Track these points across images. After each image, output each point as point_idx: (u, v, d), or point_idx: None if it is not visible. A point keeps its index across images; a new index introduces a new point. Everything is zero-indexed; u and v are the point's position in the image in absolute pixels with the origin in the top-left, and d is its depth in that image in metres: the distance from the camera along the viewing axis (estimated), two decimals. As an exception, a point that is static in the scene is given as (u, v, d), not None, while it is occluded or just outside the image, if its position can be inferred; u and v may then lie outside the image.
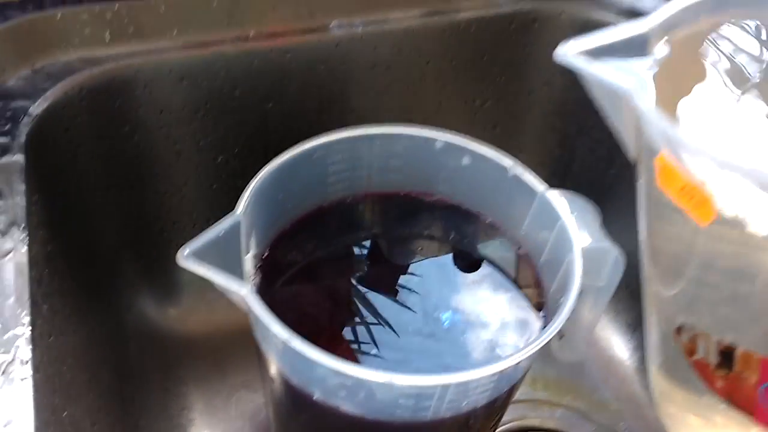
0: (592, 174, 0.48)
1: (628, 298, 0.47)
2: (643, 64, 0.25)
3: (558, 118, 0.50)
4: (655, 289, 0.31)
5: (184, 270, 0.47)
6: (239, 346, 0.46)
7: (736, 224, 0.23)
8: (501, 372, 0.28)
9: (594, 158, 0.48)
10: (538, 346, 0.29)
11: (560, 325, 0.30)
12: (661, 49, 0.27)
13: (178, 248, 0.28)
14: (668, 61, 0.26)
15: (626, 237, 0.35)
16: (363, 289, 0.37)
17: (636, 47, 0.25)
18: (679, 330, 0.28)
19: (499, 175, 0.37)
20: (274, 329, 0.28)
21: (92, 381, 0.34)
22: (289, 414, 0.35)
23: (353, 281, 0.38)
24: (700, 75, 0.27)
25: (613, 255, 0.33)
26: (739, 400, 0.26)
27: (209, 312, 0.47)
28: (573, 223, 0.33)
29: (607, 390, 0.46)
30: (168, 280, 0.47)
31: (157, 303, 0.46)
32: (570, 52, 0.25)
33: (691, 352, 0.27)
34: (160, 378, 0.43)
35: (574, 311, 0.38)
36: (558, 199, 0.34)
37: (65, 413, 0.28)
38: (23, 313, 0.27)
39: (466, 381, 0.28)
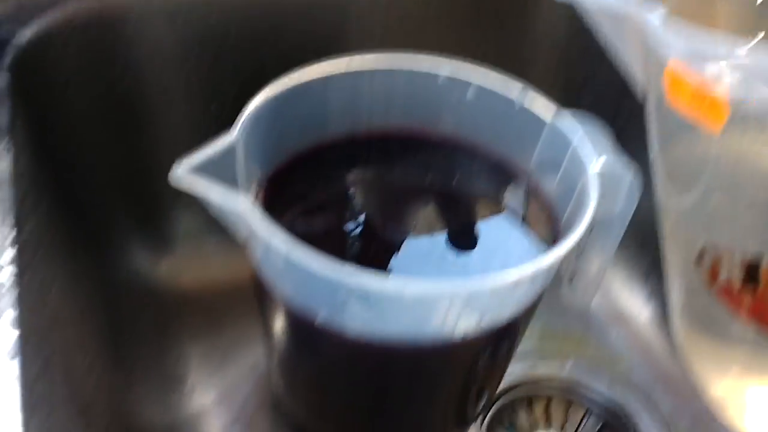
0: (602, 100, 0.46)
1: (639, 247, 0.46)
2: None
3: (565, 45, 0.49)
4: (673, 215, 0.29)
5: (178, 220, 0.46)
6: (236, 300, 0.44)
7: (750, 123, 0.22)
8: (513, 284, 0.27)
9: (604, 83, 0.47)
10: (555, 257, 0.27)
11: (576, 240, 0.28)
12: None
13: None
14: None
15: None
16: (365, 225, 0.36)
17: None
18: (700, 255, 0.27)
19: (505, 108, 0.36)
20: (275, 242, 0.26)
21: (84, 317, 0.33)
22: (292, 350, 0.33)
23: (354, 218, 0.36)
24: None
25: (628, 178, 0.32)
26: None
27: (204, 266, 0.46)
28: (586, 145, 0.32)
29: (619, 341, 0.45)
30: (161, 230, 0.45)
31: (151, 253, 0.44)
32: None
33: (713, 277, 0.26)
34: (154, 329, 0.41)
35: (586, 250, 0.37)
36: (569, 124, 0.33)
37: (53, 332, 0.27)
38: (6, 218, 0.25)
39: (478, 291, 0.26)
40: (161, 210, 0.44)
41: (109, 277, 0.40)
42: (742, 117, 0.22)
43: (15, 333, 0.22)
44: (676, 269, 0.28)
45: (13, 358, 0.21)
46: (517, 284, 0.27)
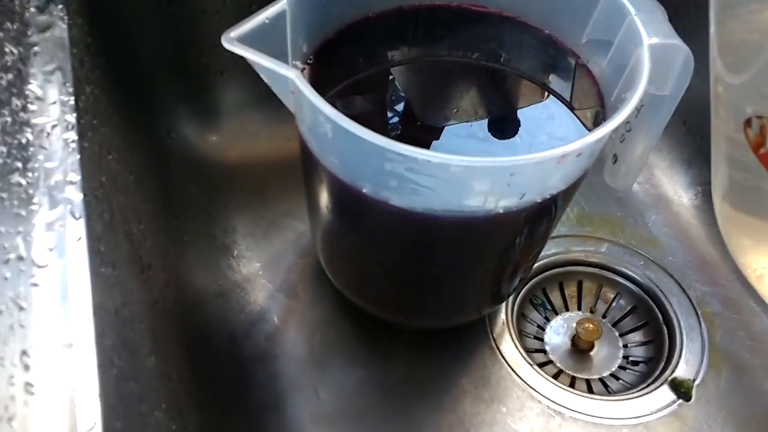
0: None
1: (684, 134, 0.45)
2: None
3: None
4: (725, 85, 0.29)
5: (224, 97, 0.47)
6: (281, 176, 0.45)
7: None
8: (560, 160, 0.27)
9: None
10: (601, 134, 0.27)
11: (625, 117, 0.28)
12: None
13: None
14: None
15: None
16: (413, 103, 0.36)
17: None
18: (748, 122, 0.26)
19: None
20: (325, 110, 0.26)
21: (138, 184, 0.34)
22: (336, 220, 0.34)
23: (400, 94, 0.36)
24: None
25: (683, 54, 0.31)
26: None
27: (250, 141, 0.47)
28: (641, 19, 0.31)
29: (657, 226, 0.45)
30: (209, 106, 0.46)
31: (199, 129, 0.45)
32: None
33: (759, 144, 0.26)
34: (202, 201, 0.43)
35: (632, 130, 0.37)
36: (625, -1, 0.32)
37: (112, 196, 0.28)
38: (68, 84, 0.26)
39: (524, 163, 0.26)
40: (209, 85, 0.45)
41: (160, 149, 0.41)
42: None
43: (79, 196, 0.23)
44: (723, 137, 0.28)
45: (78, 218, 0.22)
46: (562, 159, 0.27)
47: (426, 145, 0.34)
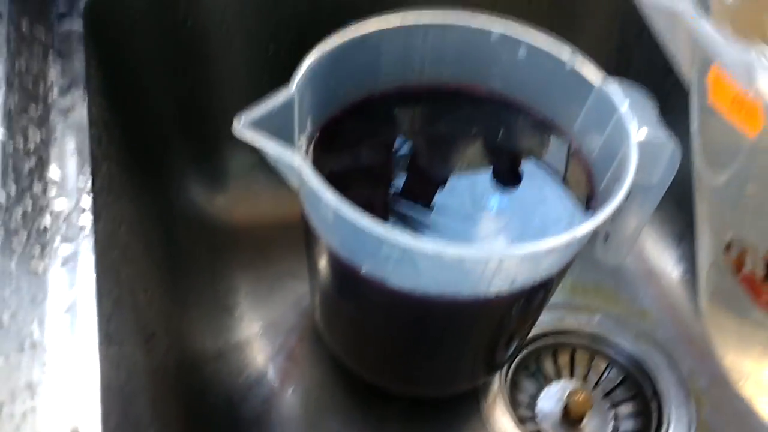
0: (649, 76, 0.46)
1: (675, 209, 0.47)
2: None
3: (617, 23, 0.49)
4: (707, 198, 0.30)
5: (233, 160, 0.48)
6: (284, 236, 0.46)
7: None
8: (548, 252, 0.28)
9: (652, 61, 0.47)
10: (588, 229, 0.28)
11: (611, 212, 0.29)
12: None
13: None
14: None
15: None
16: (412, 179, 0.38)
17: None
18: (729, 245, 0.28)
19: (555, 68, 0.36)
20: (326, 198, 0.28)
21: (146, 251, 0.35)
22: (335, 292, 0.35)
23: (402, 170, 0.38)
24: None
25: (669, 149, 0.33)
26: None
27: (256, 202, 0.48)
28: (630, 115, 0.33)
29: (648, 299, 0.46)
30: (217, 169, 0.47)
31: (206, 190, 0.47)
32: None
33: (738, 267, 0.27)
34: (208, 261, 0.44)
35: (622, 213, 0.38)
36: (616, 91, 0.34)
37: (122, 271, 0.29)
38: (85, 167, 0.27)
39: (513, 255, 0.28)
40: (218, 148, 0.47)
41: (169, 210, 0.43)
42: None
43: (92, 279, 0.24)
44: (706, 250, 0.29)
45: (90, 301, 0.24)
46: (550, 252, 0.28)
47: (425, 225, 0.35)
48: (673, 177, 0.34)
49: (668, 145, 0.33)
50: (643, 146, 0.32)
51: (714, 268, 0.28)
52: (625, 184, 0.30)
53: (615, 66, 0.50)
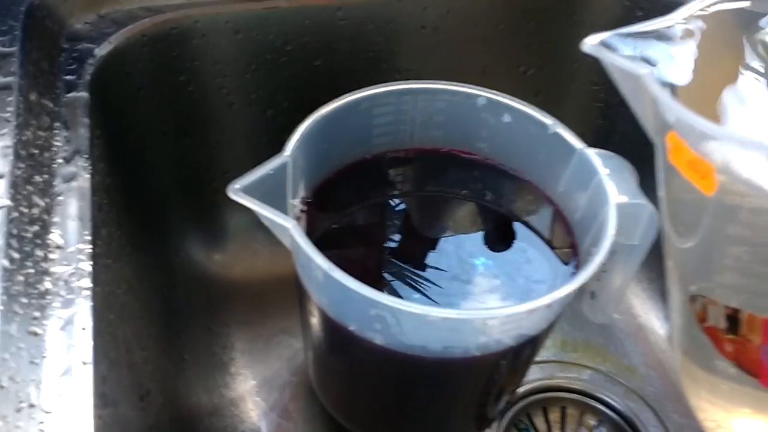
0: (632, 145, 0.48)
1: (661, 267, 0.47)
2: (664, 50, 0.27)
3: (601, 89, 0.51)
4: (673, 254, 0.31)
5: (231, 218, 0.50)
6: (280, 293, 0.47)
7: (738, 194, 0.24)
8: (530, 312, 0.29)
9: (635, 129, 0.48)
10: (568, 291, 0.30)
11: (590, 274, 0.30)
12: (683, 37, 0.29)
13: (227, 198, 0.30)
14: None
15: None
16: (402, 239, 0.39)
17: (662, 36, 0.27)
18: (692, 299, 0.29)
19: (539, 132, 0.38)
20: (317, 260, 0.29)
21: (143, 310, 0.36)
22: (326, 349, 0.36)
23: (393, 231, 0.39)
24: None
25: (648, 212, 0.34)
26: (746, 362, 0.27)
27: (253, 260, 0.49)
28: (609, 179, 0.34)
29: (636, 356, 0.47)
30: (216, 227, 0.49)
31: (205, 248, 0.48)
32: (594, 42, 0.27)
33: (702, 319, 0.28)
34: (204, 317, 0.45)
35: (607, 271, 0.39)
36: (596, 157, 0.35)
37: (118, 331, 0.30)
38: (86, 232, 0.29)
39: (496, 317, 0.29)
40: (217, 208, 0.48)
41: (167, 272, 0.44)
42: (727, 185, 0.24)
43: (89, 343, 0.25)
44: (675, 303, 0.30)
45: (86, 363, 0.25)
46: (532, 312, 0.29)
47: (416, 285, 0.36)
48: (654, 238, 0.35)
49: (647, 207, 0.34)
50: (622, 208, 0.33)
51: (683, 320, 0.29)
52: (604, 246, 0.31)
53: (600, 133, 0.52)
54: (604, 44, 0.28)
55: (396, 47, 0.46)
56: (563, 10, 0.48)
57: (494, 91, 0.38)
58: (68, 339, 0.25)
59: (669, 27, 0.28)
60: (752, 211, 0.24)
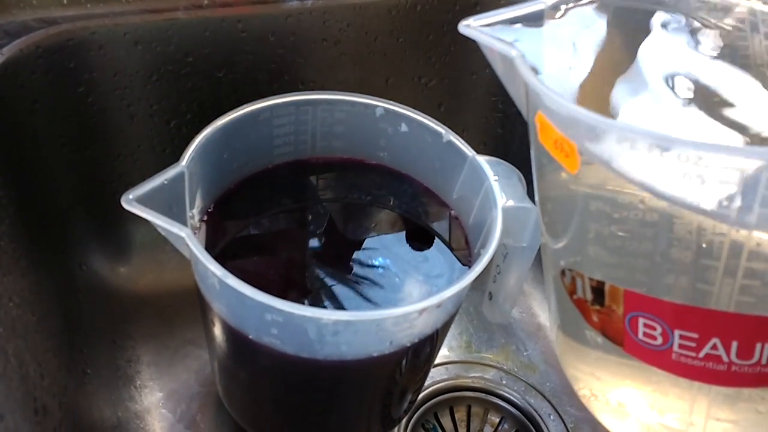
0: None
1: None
2: (534, 34, 0.29)
3: (499, 99, 0.53)
4: (545, 238, 0.33)
5: (136, 231, 0.49)
6: (188, 305, 0.47)
7: (597, 173, 0.26)
8: (420, 312, 0.31)
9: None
10: (455, 290, 0.31)
11: (476, 275, 0.32)
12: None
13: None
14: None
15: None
16: (306, 246, 0.40)
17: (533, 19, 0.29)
18: (563, 273, 0.31)
19: (434, 141, 0.39)
20: (211, 268, 0.30)
21: (40, 324, 0.36)
22: (229, 358, 0.37)
23: (297, 239, 0.40)
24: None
25: (534, 215, 0.36)
26: (611, 331, 0.29)
27: (159, 272, 0.49)
28: (498, 184, 0.36)
29: (536, 353, 0.49)
30: (120, 240, 0.48)
31: (109, 261, 0.48)
32: (472, 24, 0.29)
33: (572, 292, 0.30)
34: (109, 331, 0.45)
35: (501, 273, 0.41)
36: (485, 163, 0.37)
37: (9, 344, 0.30)
38: (-29, 243, 0.28)
39: (388, 318, 0.30)
40: (121, 221, 0.48)
41: (69, 283, 0.43)
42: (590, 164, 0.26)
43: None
44: (549, 278, 0.32)
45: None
46: (424, 312, 0.31)
47: (311, 290, 0.37)
48: (540, 240, 0.37)
49: (533, 211, 0.36)
50: (510, 212, 0.35)
51: (556, 295, 0.31)
52: (490, 248, 0.33)
53: (500, 141, 0.54)
54: (481, 27, 0.29)
55: (299, 59, 0.47)
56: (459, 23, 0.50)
57: (391, 102, 0.40)
58: (-50, 352, 0.25)
59: (539, 11, 0.30)
60: (609, 189, 0.26)
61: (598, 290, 0.28)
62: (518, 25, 0.30)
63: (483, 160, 0.37)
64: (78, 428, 0.37)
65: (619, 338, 0.28)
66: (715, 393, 0.27)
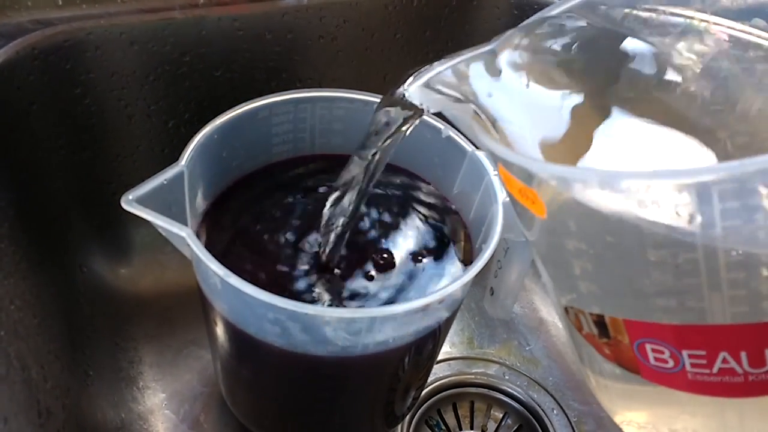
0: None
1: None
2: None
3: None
4: (545, 279, 0.33)
5: (136, 232, 0.49)
6: (189, 305, 0.47)
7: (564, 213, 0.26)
8: (423, 309, 0.31)
9: None
10: (456, 286, 0.31)
11: (477, 270, 0.32)
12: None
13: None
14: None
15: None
16: (309, 243, 0.39)
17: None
18: (566, 310, 0.30)
19: (433, 137, 0.39)
20: (212, 267, 0.30)
21: (42, 326, 0.36)
22: (232, 357, 0.37)
23: (299, 236, 0.40)
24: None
25: (534, 209, 0.36)
26: (624, 361, 0.29)
27: (160, 273, 0.49)
28: (497, 179, 0.36)
29: (538, 348, 0.49)
30: (121, 241, 0.48)
31: (110, 262, 0.48)
32: (413, 87, 0.31)
33: (579, 328, 0.30)
34: (111, 332, 0.45)
35: (502, 268, 0.41)
36: (486, 158, 0.37)
37: (10, 348, 0.30)
38: (-30, 246, 0.28)
39: (390, 315, 0.30)
40: (121, 222, 0.48)
41: (70, 284, 0.43)
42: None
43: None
44: (559, 315, 0.32)
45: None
46: (426, 308, 0.31)
47: (320, 287, 0.37)
48: (541, 234, 0.37)
49: (534, 205, 0.36)
50: (510, 207, 0.35)
51: (568, 331, 0.31)
52: (492, 243, 0.33)
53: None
54: (429, 82, 0.30)
55: (296, 57, 0.47)
56: (457, 20, 0.50)
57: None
58: (-48, 356, 0.25)
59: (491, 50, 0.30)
60: (579, 226, 0.25)
61: (601, 323, 0.27)
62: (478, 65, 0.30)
63: (483, 155, 0.37)
64: (81, 430, 0.36)
65: (634, 367, 0.28)
66: (743, 406, 0.27)
